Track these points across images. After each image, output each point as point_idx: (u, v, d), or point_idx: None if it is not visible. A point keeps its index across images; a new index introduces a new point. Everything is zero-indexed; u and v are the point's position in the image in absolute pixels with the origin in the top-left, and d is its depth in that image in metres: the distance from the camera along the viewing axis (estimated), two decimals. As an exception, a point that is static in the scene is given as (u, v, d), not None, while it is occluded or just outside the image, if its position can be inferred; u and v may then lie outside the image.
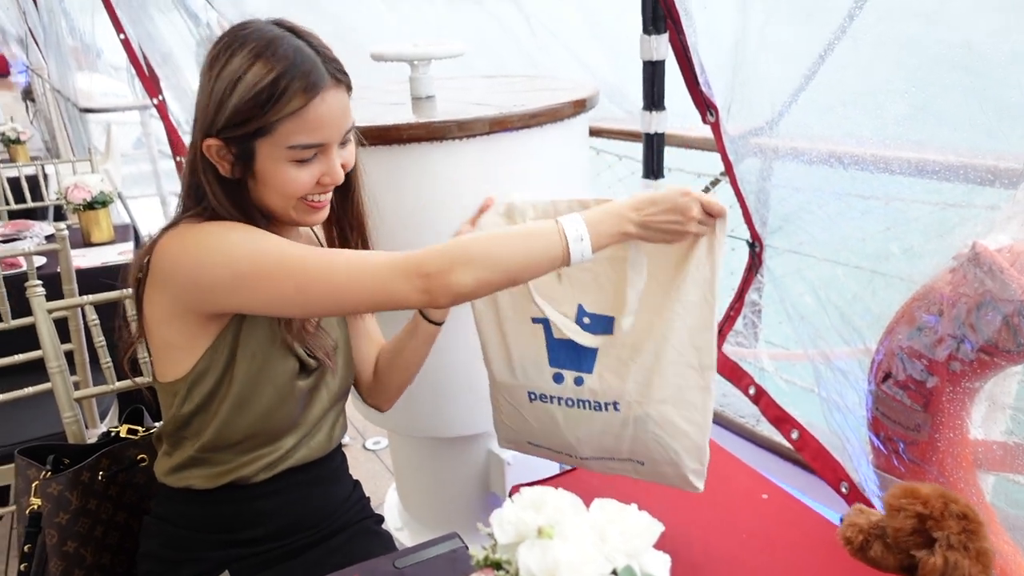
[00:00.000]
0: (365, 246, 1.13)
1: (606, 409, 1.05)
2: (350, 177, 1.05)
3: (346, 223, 1.10)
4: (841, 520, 0.70)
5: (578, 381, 1.06)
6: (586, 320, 1.06)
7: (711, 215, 0.94)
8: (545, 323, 1.08)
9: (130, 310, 1.22)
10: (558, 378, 1.08)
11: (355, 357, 1.19)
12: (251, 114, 0.88)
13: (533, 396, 1.11)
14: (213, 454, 1.00)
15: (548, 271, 0.91)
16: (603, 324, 1.05)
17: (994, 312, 0.86)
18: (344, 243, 1.12)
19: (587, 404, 1.06)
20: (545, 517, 0.52)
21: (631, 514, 0.54)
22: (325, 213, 1.01)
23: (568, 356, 1.07)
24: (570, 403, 1.08)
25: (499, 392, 1.16)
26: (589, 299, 1.07)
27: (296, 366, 1.01)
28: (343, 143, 0.97)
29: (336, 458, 1.14)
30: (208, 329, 0.96)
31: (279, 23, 0.93)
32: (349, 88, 0.95)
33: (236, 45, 0.89)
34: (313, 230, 1.15)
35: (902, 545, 0.62)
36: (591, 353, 1.05)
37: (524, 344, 1.10)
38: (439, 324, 1.17)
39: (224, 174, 0.94)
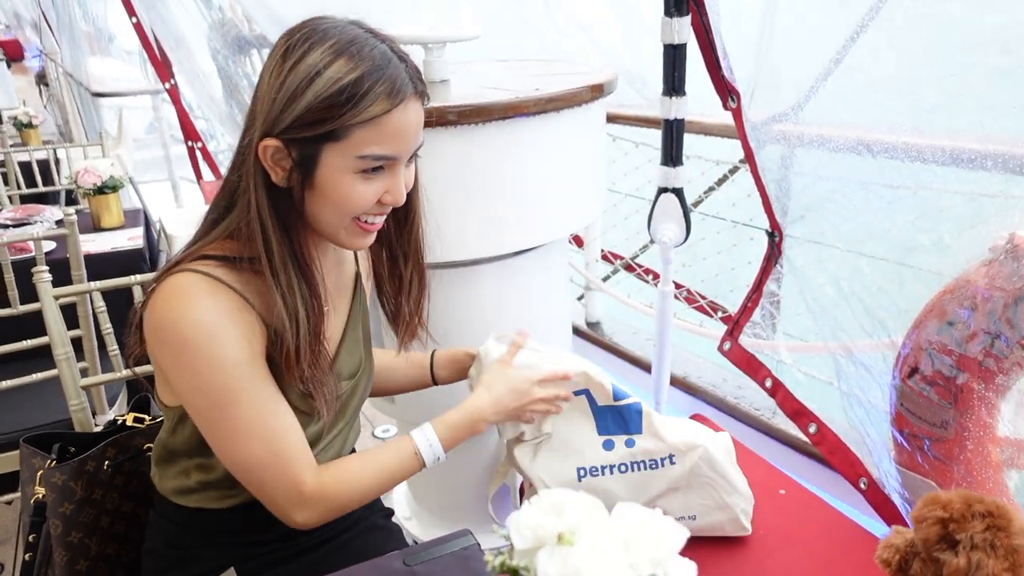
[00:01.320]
0: (421, 279, 1.07)
1: (663, 465, 1.06)
2: (411, 199, 0.97)
3: (399, 250, 1.03)
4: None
5: (629, 443, 1.07)
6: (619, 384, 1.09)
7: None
8: (587, 393, 1.08)
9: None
10: (608, 445, 1.08)
11: None
12: (326, 114, 0.80)
13: (583, 473, 1.08)
14: (215, 489, 0.96)
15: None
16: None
17: (1033, 307, 0.82)
18: (394, 270, 1.05)
19: (643, 465, 1.06)
20: (566, 522, 0.49)
21: (656, 519, 0.51)
22: (372, 238, 0.93)
23: (615, 422, 1.08)
24: (624, 468, 1.07)
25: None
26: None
27: (303, 421, 0.95)
28: (409, 161, 0.90)
29: None
30: None
31: (358, 24, 0.85)
32: (427, 102, 0.89)
33: (316, 38, 0.81)
34: (356, 255, 1.08)
35: (933, 555, 0.59)
36: (637, 414, 1.07)
37: (568, 422, 1.09)
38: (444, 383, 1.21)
39: (276, 181, 0.84)
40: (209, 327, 0.83)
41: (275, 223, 0.85)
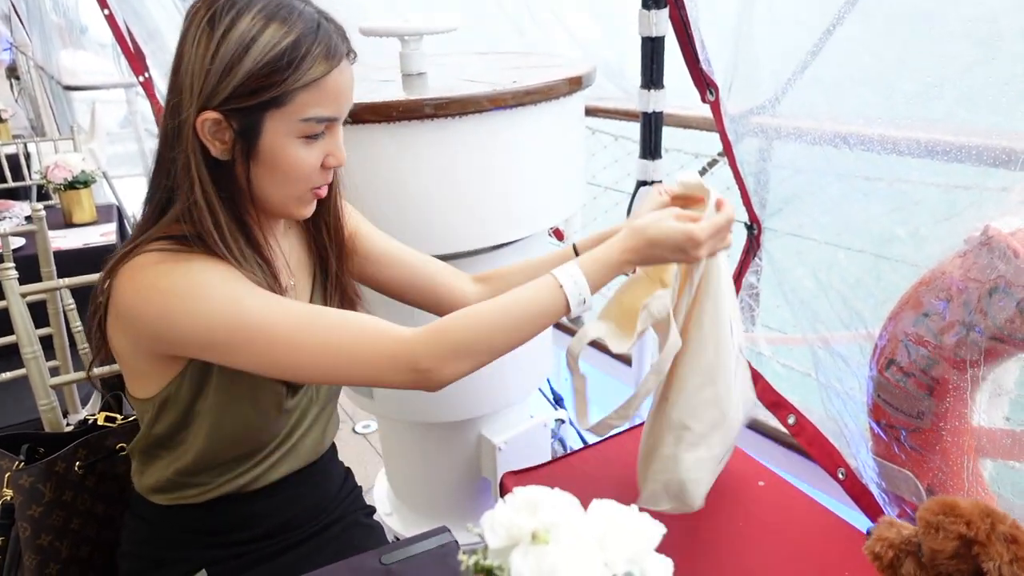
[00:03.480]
0: (340, 249, 1.03)
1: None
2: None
3: (322, 220, 0.99)
4: (868, 533, 0.66)
5: None
6: None
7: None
8: None
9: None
10: None
11: (422, 280, 1.11)
12: (267, 81, 0.78)
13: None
14: (194, 477, 0.94)
15: (544, 329, 0.88)
16: None
17: (1007, 298, 0.83)
18: (319, 240, 1.01)
19: None
20: (540, 520, 0.48)
21: (631, 516, 0.50)
22: (313, 205, 0.92)
23: None
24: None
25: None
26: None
27: (283, 389, 0.94)
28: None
29: (327, 454, 1.10)
30: (178, 360, 0.87)
31: None
32: (354, 59, 0.87)
33: (241, 4, 0.78)
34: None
35: (941, 568, 0.58)
36: None
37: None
38: None
39: (216, 155, 0.82)
40: (190, 273, 0.80)
41: (220, 198, 0.83)
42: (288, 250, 0.99)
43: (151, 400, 0.91)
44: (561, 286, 0.85)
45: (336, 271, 1.03)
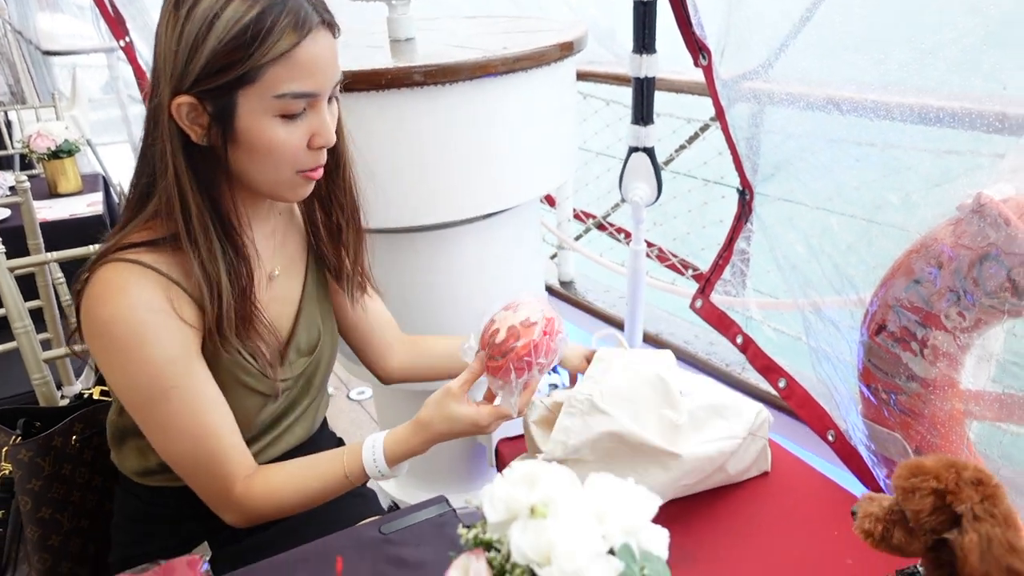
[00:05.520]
0: (358, 228, 1.01)
1: None
2: (339, 143, 0.92)
3: (333, 199, 0.97)
4: (853, 514, 0.68)
5: None
6: None
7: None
8: None
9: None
10: None
11: (361, 347, 1.14)
12: (233, 58, 0.75)
13: None
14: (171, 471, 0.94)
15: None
16: None
17: (998, 266, 0.83)
18: (329, 221, 1.00)
19: None
20: (538, 495, 0.49)
21: (628, 489, 0.51)
22: (311, 187, 0.89)
23: None
24: None
25: None
26: None
27: (259, 401, 0.93)
28: (330, 99, 0.85)
29: (319, 431, 1.11)
30: None
31: None
32: (337, 33, 0.83)
33: None
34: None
35: (926, 526, 0.60)
36: None
37: None
38: None
39: (196, 140, 0.79)
40: (138, 325, 0.80)
41: (195, 186, 0.81)
42: (274, 233, 0.97)
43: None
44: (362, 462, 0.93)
45: (354, 263, 1.03)
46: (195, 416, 0.85)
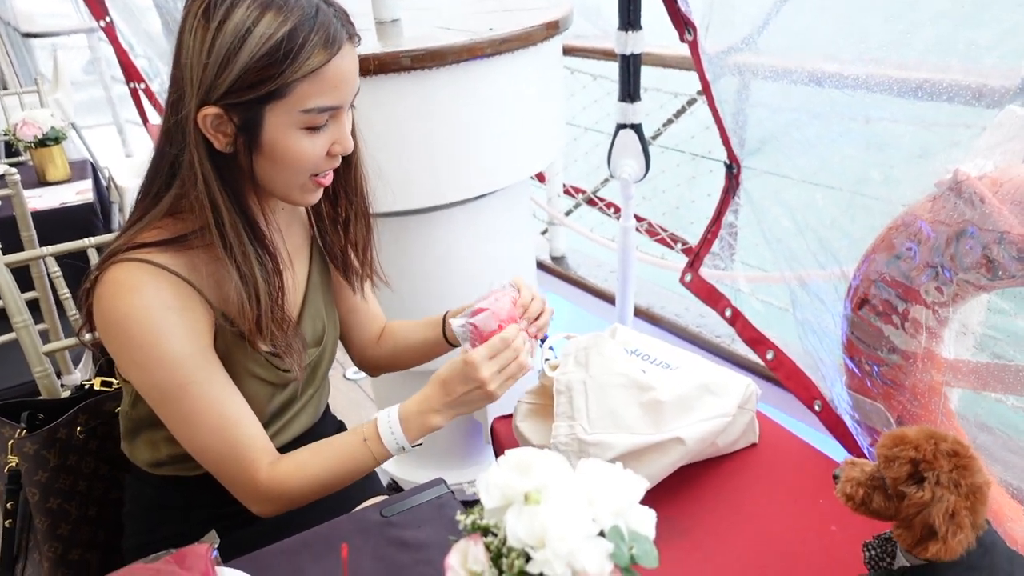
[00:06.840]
0: (367, 220, 1.03)
1: None
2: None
3: (342, 191, 0.99)
4: (835, 477, 0.71)
5: None
6: None
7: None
8: None
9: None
10: None
11: (352, 334, 1.16)
12: (264, 74, 0.76)
13: None
14: (187, 460, 0.94)
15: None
16: None
17: (974, 242, 0.86)
18: (337, 213, 1.01)
19: None
20: (532, 481, 0.51)
21: (616, 473, 0.54)
22: (321, 192, 0.91)
23: None
24: None
25: None
26: None
27: (269, 391, 0.95)
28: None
29: (322, 417, 1.12)
30: None
31: None
32: (358, 43, 0.84)
33: None
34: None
35: (902, 493, 0.63)
36: None
37: None
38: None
39: (220, 148, 0.80)
40: (153, 323, 0.82)
41: (224, 193, 0.82)
42: (279, 227, 0.98)
43: (129, 384, 0.93)
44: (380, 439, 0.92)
45: (363, 255, 1.04)
46: (214, 408, 0.87)
